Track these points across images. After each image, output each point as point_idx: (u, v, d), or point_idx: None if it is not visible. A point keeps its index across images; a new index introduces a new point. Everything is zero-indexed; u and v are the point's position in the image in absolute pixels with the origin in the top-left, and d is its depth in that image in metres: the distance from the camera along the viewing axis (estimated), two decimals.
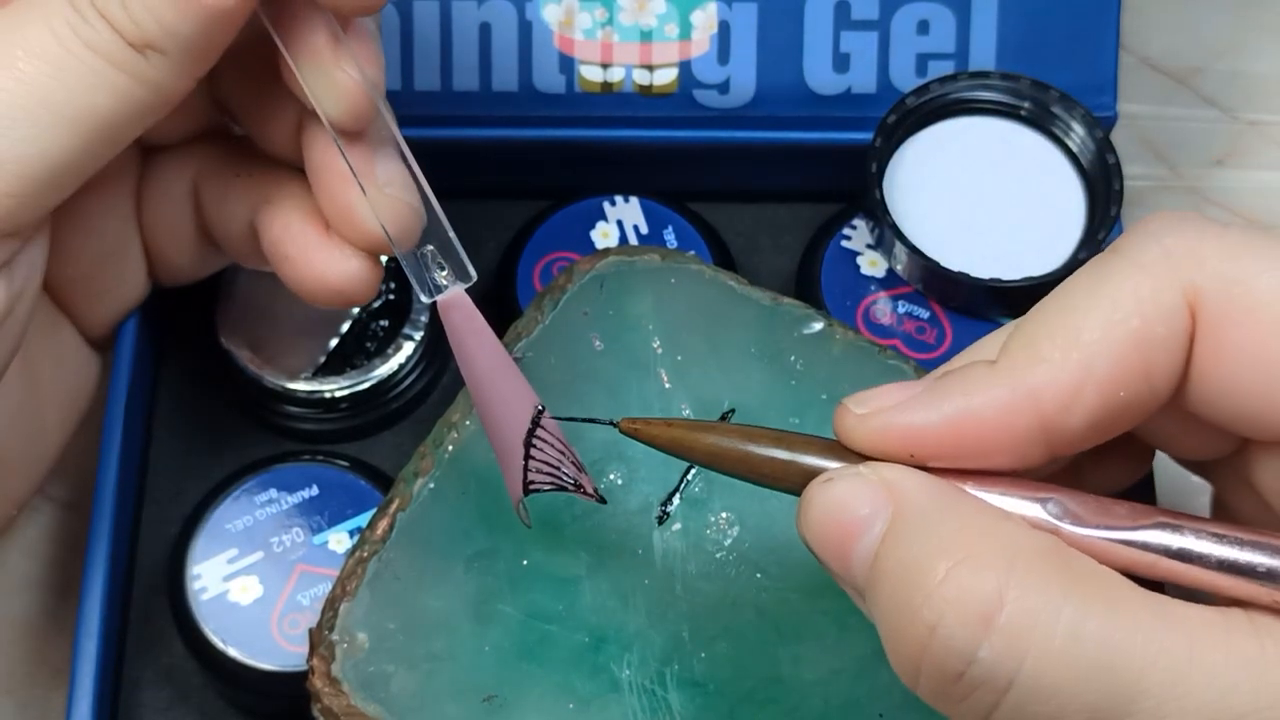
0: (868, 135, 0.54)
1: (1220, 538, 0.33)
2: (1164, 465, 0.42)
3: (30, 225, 0.41)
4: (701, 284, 0.47)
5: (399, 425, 0.55)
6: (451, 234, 0.42)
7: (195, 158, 0.48)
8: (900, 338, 0.53)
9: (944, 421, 0.35)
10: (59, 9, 0.39)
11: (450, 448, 0.44)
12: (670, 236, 0.56)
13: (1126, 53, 0.63)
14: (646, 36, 0.55)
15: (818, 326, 0.46)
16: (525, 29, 0.55)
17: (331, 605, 0.42)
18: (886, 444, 0.35)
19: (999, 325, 0.53)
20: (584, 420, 0.40)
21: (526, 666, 0.41)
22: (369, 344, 0.54)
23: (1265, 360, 0.34)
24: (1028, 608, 0.32)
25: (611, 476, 0.43)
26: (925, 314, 0.54)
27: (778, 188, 0.58)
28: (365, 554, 0.43)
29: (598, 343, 0.46)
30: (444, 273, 0.42)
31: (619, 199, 0.56)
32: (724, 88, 0.56)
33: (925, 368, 0.46)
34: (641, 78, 0.55)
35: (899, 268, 0.54)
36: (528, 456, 0.40)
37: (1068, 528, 0.34)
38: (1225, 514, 0.40)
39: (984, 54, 0.56)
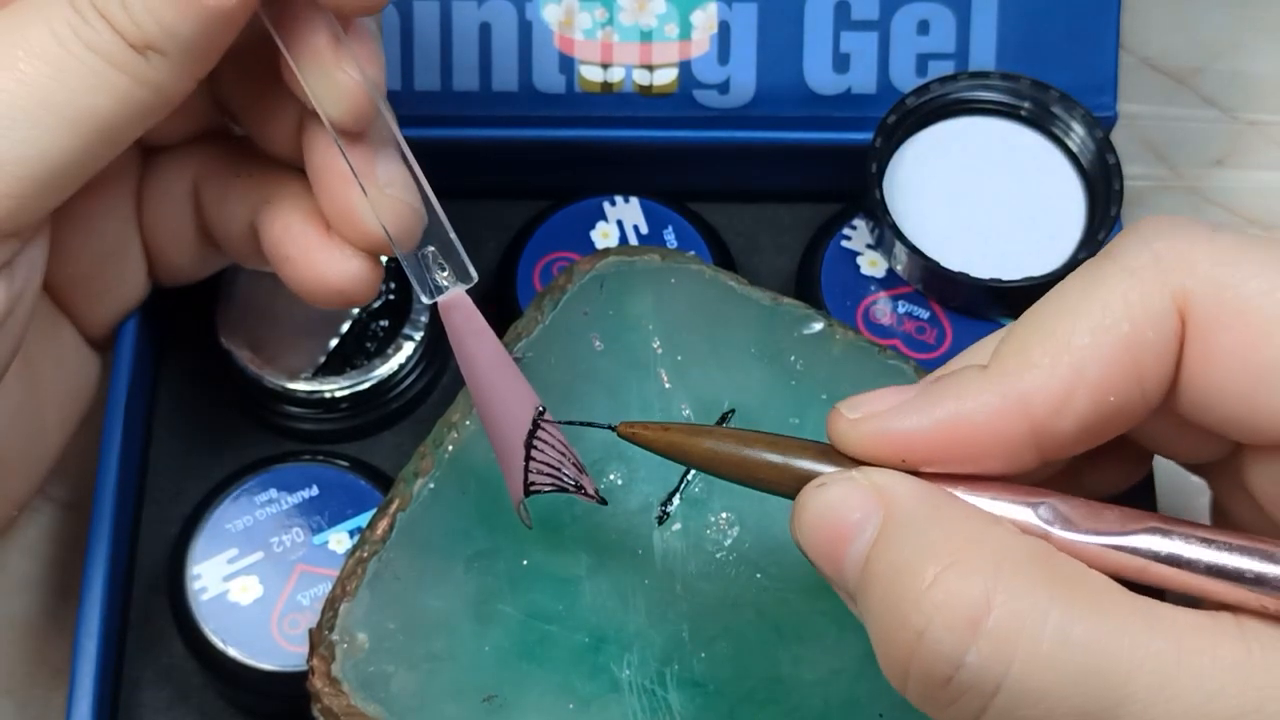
0: (868, 135, 0.54)
1: (1209, 543, 0.33)
2: (1164, 465, 0.42)
3: (30, 226, 0.41)
4: (701, 284, 0.47)
5: (399, 425, 0.55)
6: (452, 235, 0.42)
7: (195, 158, 0.48)
8: (900, 338, 0.53)
9: (935, 426, 0.35)
10: (59, 10, 0.39)
11: (450, 448, 0.44)
12: (670, 236, 0.56)
13: (1126, 53, 0.63)
14: (646, 36, 0.55)
15: (818, 326, 0.46)
16: (525, 29, 0.55)
17: (331, 605, 0.42)
18: (878, 449, 0.35)
19: (999, 325, 0.54)
20: (583, 424, 0.40)
21: (526, 666, 0.41)
22: (369, 344, 0.54)
23: (1254, 365, 0.34)
24: (1015, 612, 0.32)
25: (611, 477, 0.43)
26: (925, 314, 0.54)
27: (778, 188, 0.58)
28: (365, 554, 0.43)
29: (598, 343, 0.46)
30: (445, 273, 0.42)
31: (619, 199, 0.56)
32: (724, 88, 0.56)
33: (925, 368, 0.46)
34: (641, 78, 0.55)
35: (899, 268, 0.54)
36: (529, 457, 0.40)
37: (1058, 533, 0.34)
38: (1223, 516, 0.40)
39: (984, 54, 0.56)
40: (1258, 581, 0.33)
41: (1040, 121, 0.55)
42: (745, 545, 0.43)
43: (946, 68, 0.56)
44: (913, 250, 0.53)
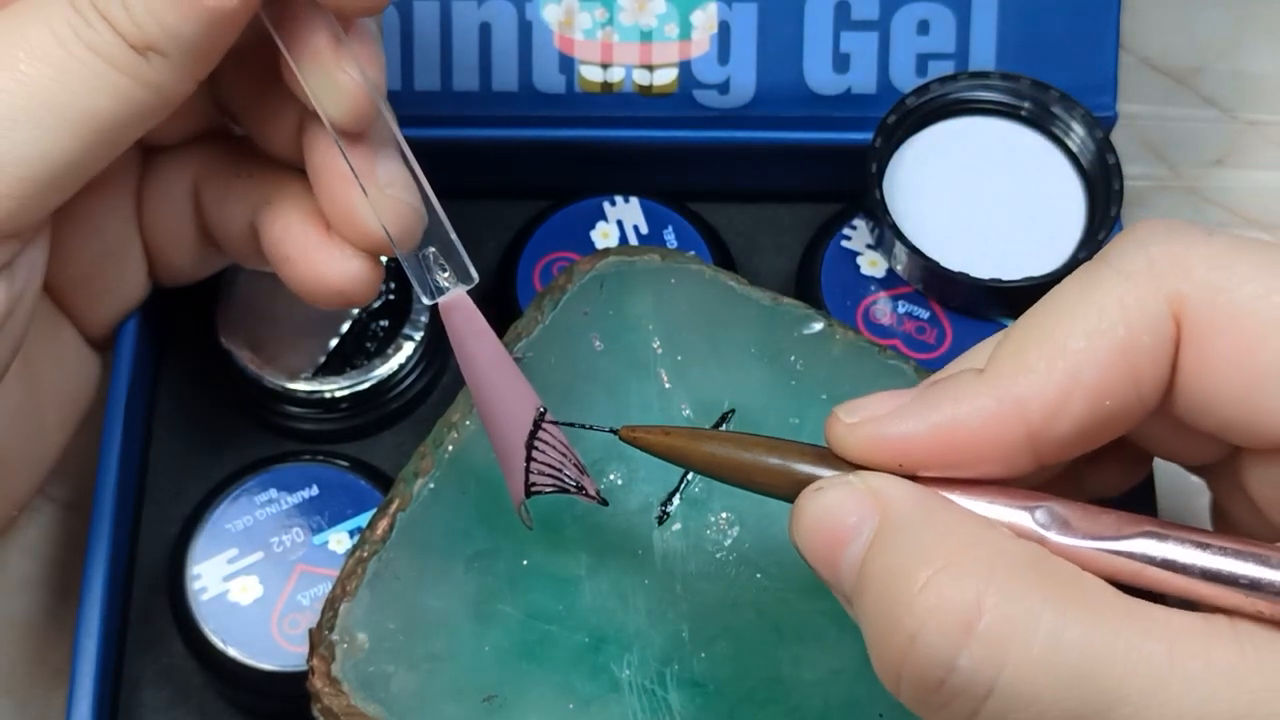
0: (868, 135, 0.54)
1: (1204, 547, 0.33)
2: (1165, 465, 0.42)
3: (31, 226, 0.41)
4: (701, 284, 0.47)
5: (399, 425, 0.55)
6: (453, 235, 0.42)
7: (196, 158, 0.48)
8: (900, 338, 0.53)
9: (931, 431, 0.35)
10: (60, 11, 0.39)
11: (450, 448, 0.44)
12: (670, 236, 0.56)
13: (1126, 53, 0.63)
14: (646, 36, 0.55)
15: (818, 326, 0.46)
16: (525, 29, 0.55)
17: (331, 605, 0.42)
18: (875, 453, 0.35)
19: (999, 325, 0.54)
20: (584, 426, 0.40)
21: (526, 666, 0.41)
22: (369, 344, 0.54)
23: (1249, 369, 0.34)
24: (1007, 615, 0.32)
25: (611, 477, 0.43)
26: (925, 314, 0.54)
27: (778, 188, 0.58)
28: (365, 554, 0.43)
29: (598, 343, 0.46)
30: (445, 274, 0.42)
31: (619, 199, 0.56)
32: (724, 88, 0.56)
33: (925, 367, 0.46)
34: (641, 78, 0.55)
35: (899, 268, 0.54)
36: (529, 458, 0.40)
37: (1054, 537, 0.34)
38: (1223, 518, 0.40)
39: (984, 54, 0.56)
40: (1252, 586, 0.33)
41: (1040, 121, 0.55)
42: (745, 545, 0.43)
43: (946, 68, 0.56)
44: (913, 250, 0.53)
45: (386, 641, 0.42)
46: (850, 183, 0.54)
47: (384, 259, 0.45)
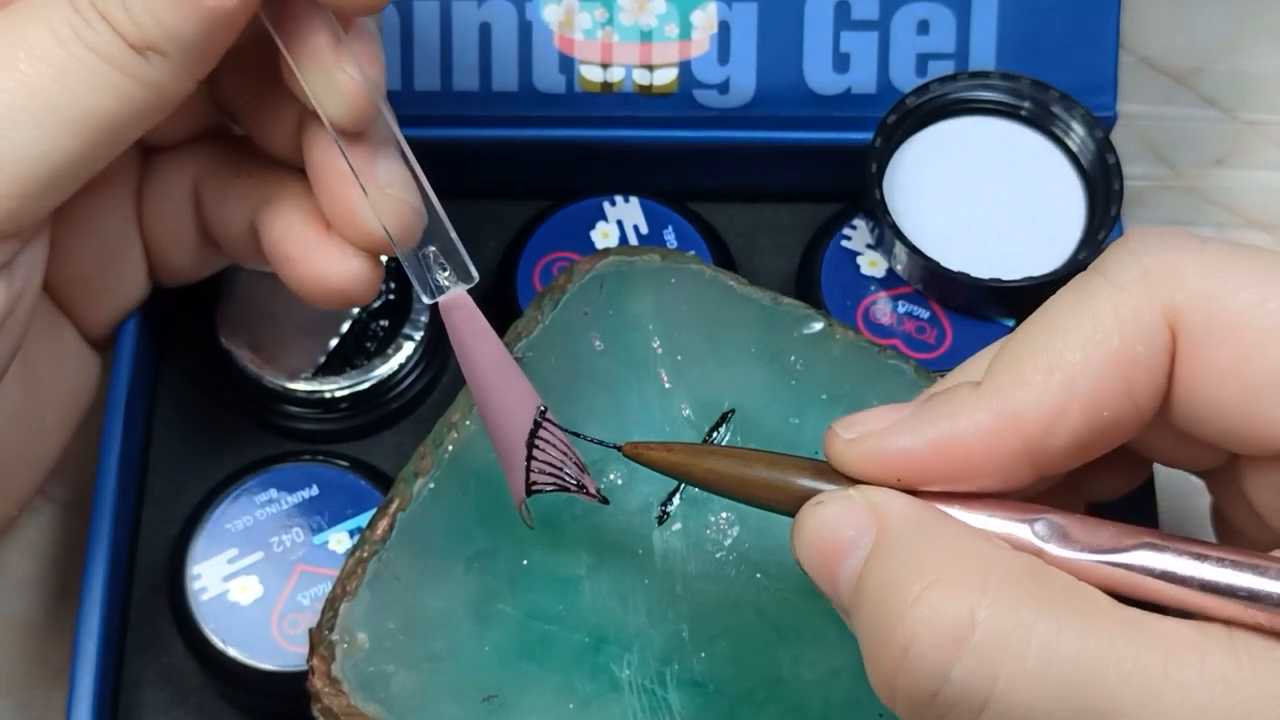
0: (868, 135, 0.54)
1: (1203, 558, 0.33)
2: (1165, 467, 0.42)
3: (31, 226, 0.41)
4: (701, 284, 0.47)
5: (399, 425, 0.55)
6: (453, 234, 0.42)
7: (196, 158, 0.48)
8: (900, 338, 0.53)
9: (929, 446, 0.35)
10: (60, 11, 0.39)
11: (450, 448, 0.44)
12: (670, 236, 0.56)
13: (1126, 53, 0.63)
14: (646, 36, 0.55)
15: (818, 326, 0.46)
16: (525, 29, 0.55)
17: (331, 605, 0.42)
18: (873, 469, 0.36)
19: (999, 325, 0.54)
20: (587, 439, 0.40)
21: (526, 666, 0.41)
22: (369, 344, 0.54)
23: (1246, 377, 0.34)
24: (1000, 627, 0.32)
25: (611, 476, 0.43)
26: (925, 314, 0.54)
27: (778, 188, 0.58)
28: (365, 554, 0.43)
29: (598, 343, 0.46)
30: (446, 273, 0.42)
31: (619, 199, 0.56)
32: (724, 88, 0.56)
33: (925, 368, 0.46)
34: (641, 78, 0.55)
35: (899, 268, 0.54)
36: (530, 457, 0.40)
37: (1053, 549, 0.34)
38: (1223, 522, 0.40)
39: (984, 54, 0.56)
40: (1251, 597, 0.33)
41: (1040, 121, 0.55)
42: (745, 545, 0.43)
43: (946, 68, 0.56)
44: (913, 250, 0.53)
45: (386, 641, 0.42)
46: (850, 183, 0.54)
47: (384, 258, 0.45)
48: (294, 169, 0.45)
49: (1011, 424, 0.35)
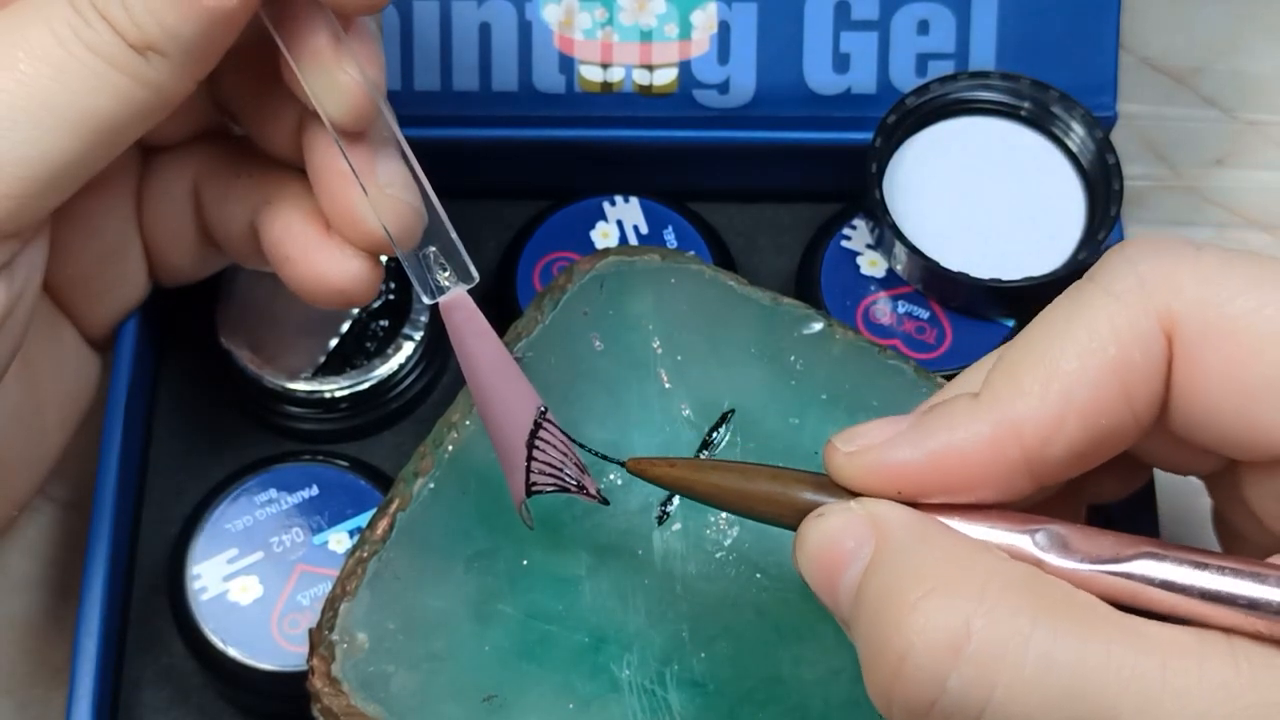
0: (868, 135, 0.54)
1: (1203, 567, 0.33)
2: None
3: (31, 226, 0.41)
4: (701, 284, 0.47)
5: (399, 425, 0.55)
6: (454, 235, 0.42)
7: (196, 158, 0.48)
8: (900, 338, 0.53)
9: (928, 458, 0.35)
10: (60, 11, 0.39)
11: (450, 448, 0.44)
12: (670, 236, 0.56)
13: (1126, 53, 0.63)
14: (646, 36, 0.55)
15: (818, 326, 0.46)
16: (525, 29, 0.55)
17: (331, 605, 0.42)
18: (873, 481, 0.36)
19: (999, 325, 0.54)
20: (594, 453, 0.40)
21: (526, 666, 0.41)
22: (369, 344, 0.54)
23: (1244, 383, 0.34)
24: (997, 637, 0.32)
25: (611, 476, 0.43)
26: (925, 314, 0.54)
27: (778, 188, 0.58)
28: (365, 554, 0.43)
29: (598, 343, 0.46)
30: (446, 274, 0.42)
31: (619, 199, 0.56)
32: (724, 88, 0.56)
33: (925, 368, 0.46)
34: (641, 78, 0.55)
35: (899, 268, 0.54)
36: (530, 457, 0.40)
37: (1053, 559, 0.34)
38: (1224, 526, 0.40)
39: (984, 54, 0.56)
40: (1250, 605, 0.33)
41: (1040, 121, 0.55)
42: (745, 545, 0.43)
43: (946, 68, 0.56)
44: (913, 250, 0.53)
45: (386, 641, 0.42)
46: (850, 183, 0.54)
47: (384, 258, 0.45)
48: (294, 169, 0.45)
49: (1010, 435, 0.35)
